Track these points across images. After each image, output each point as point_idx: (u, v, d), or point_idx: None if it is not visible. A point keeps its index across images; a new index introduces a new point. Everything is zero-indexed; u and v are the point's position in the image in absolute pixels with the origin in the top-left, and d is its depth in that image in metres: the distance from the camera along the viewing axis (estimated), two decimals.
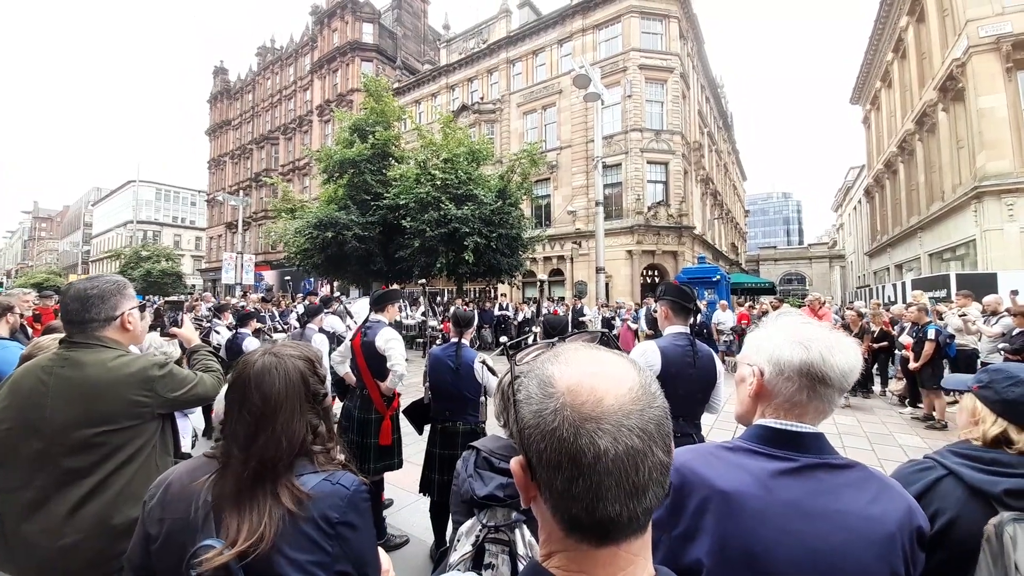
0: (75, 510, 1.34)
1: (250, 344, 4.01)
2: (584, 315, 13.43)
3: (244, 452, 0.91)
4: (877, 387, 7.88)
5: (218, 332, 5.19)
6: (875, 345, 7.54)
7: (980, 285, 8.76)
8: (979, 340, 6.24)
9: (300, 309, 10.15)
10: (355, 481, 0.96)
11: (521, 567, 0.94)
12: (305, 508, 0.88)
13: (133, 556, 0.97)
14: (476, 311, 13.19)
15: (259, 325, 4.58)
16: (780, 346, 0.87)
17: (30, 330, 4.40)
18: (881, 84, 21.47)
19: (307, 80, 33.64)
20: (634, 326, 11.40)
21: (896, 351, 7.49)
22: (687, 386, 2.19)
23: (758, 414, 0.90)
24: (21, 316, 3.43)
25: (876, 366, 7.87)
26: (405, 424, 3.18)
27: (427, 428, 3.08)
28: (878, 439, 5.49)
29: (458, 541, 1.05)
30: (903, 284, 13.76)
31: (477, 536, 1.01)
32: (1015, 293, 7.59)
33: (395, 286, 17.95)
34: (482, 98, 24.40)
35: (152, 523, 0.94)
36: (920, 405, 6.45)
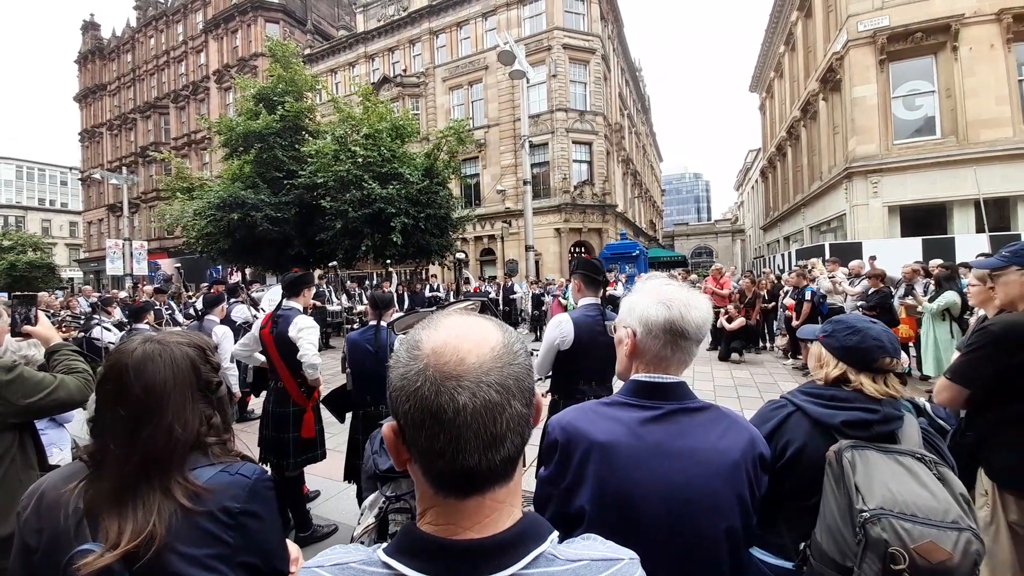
0: None
1: None
2: (515, 292, 13.68)
3: (125, 449, 0.83)
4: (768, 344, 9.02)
5: (108, 330, 4.56)
6: (767, 306, 8.58)
7: (848, 253, 10.21)
8: (845, 300, 7.33)
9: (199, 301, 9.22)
10: (256, 470, 0.92)
11: None
12: (202, 502, 0.83)
13: (15, 570, 0.87)
14: (407, 294, 12.88)
15: (152, 320, 4.08)
16: (648, 307, 0.96)
17: None
18: (774, 75, 23.68)
19: (200, 41, 29.73)
20: (564, 301, 11.83)
21: (780, 311, 8.60)
22: (598, 352, 2.34)
23: (633, 370, 1.00)
24: None
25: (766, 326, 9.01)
26: (327, 414, 3.06)
27: (349, 416, 3.00)
28: (766, 388, 6.30)
29: (361, 515, 1.06)
30: (789, 254, 15.64)
31: (380, 508, 1.03)
32: (873, 259, 8.97)
33: (317, 271, 16.90)
34: (405, 70, 23.22)
35: (30, 534, 0.85)
36: (800, 356, 7.48)
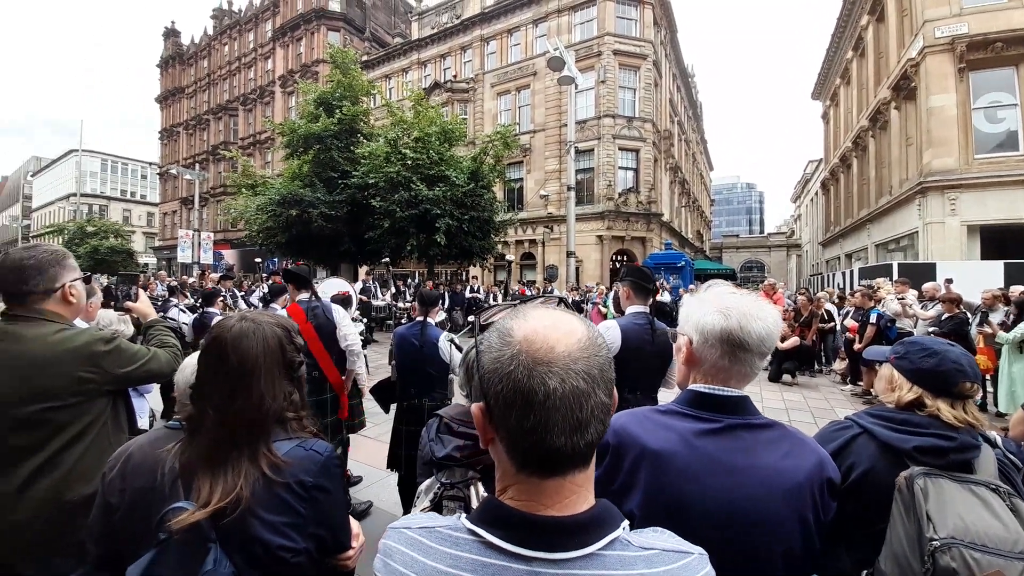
0: (25, 488, 1.31)
1: None
2: None
3: (220, 414, 0.90)
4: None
5: (183, 312, 4.98)
6: (825, 326, 8.08)
7: (920, 274, 9.43)
8: (915, 324, 6.78)
9: (264, 289, 9.82)
10: (328, 448, 0.99)
11: None
12: (281, 472, 0.89)
13: (94, 527, 0.97)
14: (447, 293, 13.15)
15: (228, 303, 4.43)
16: (704, 315, 0.95)
17: None
18: (840, 81, 22.32)
19: (268, 48, 31.82)
20: (604, 309, 11.68)
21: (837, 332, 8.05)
22: (645, 361, 2.30)
23: (691, 379, 0.99)
24: None
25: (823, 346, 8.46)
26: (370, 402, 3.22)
27: (394, 407, 3.11)
28: (821, 414, 5.93)
29: (418, 498, 1.11)
30: (852, 272, 14.64)
31: (435, 493, 1.08)
32: (949, 281, 8.23)
33: (364, 267, 17.59)
34: (455, 76, 23.81)
35: (113, 493, 0.94)
36: (860, 383, 6.98)
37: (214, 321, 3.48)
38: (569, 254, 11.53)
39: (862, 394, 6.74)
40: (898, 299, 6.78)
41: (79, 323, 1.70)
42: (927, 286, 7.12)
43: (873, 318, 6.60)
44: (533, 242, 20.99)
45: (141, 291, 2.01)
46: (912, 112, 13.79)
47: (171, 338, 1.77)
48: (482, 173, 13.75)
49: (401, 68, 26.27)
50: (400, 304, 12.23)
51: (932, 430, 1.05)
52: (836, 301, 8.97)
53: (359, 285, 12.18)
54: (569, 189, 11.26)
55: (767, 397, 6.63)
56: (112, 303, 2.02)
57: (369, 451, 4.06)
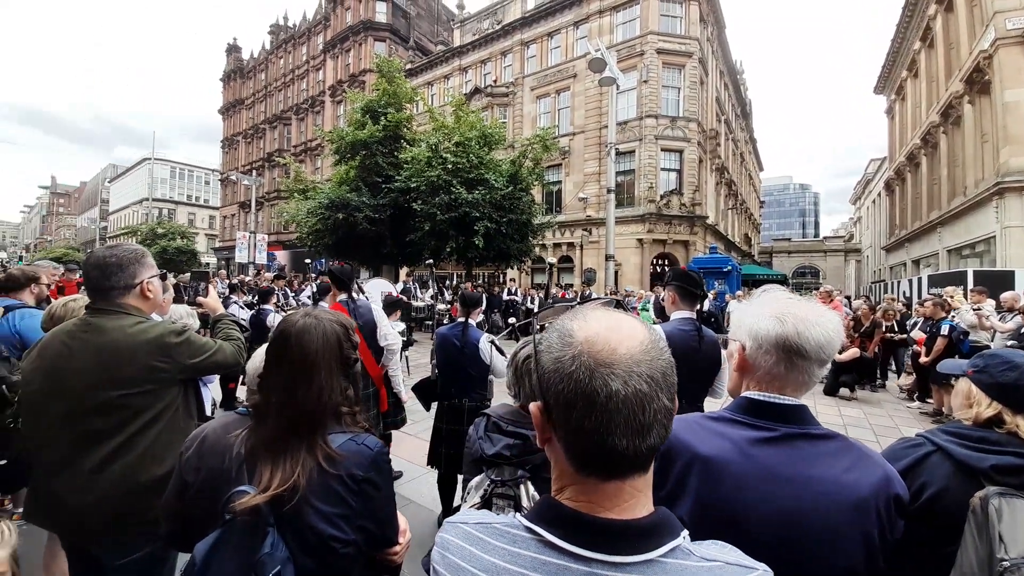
0: (101, 468, 1.40)
1: (274, 319, 4.14)
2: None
3: (281, 404, 0.96)
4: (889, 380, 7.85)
5: (242, 308, 5.33)
6: (895, 336, 7.51)
7: (997, 282, 8.58)
8: (992, 337, 6.17)
9: (312, 288, 10.30)
10: (378, 443, 1.03)
11: None
12: (334, 464, 0.94)
13: (169, 501, 1.06)
14: (484, 295, 13.29)
15: (281, 301, 4.72)
16: (758, 321, 0.91)
17: (53, 301, 4.57)
18: (907, 74, 20.72)
19: (320, 60, 33.45)
20: (643, 314, 11.41)
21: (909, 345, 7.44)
22: (691, 369, 2.23)
23: (743, 387, 0.95)
24: (48, 287, 3.56)
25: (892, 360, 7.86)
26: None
27: (435, 405, 3.19)
28: (884, 432, 5.51)
29: (468, 493, 1.13)
30: (919, 280, 13.53)
31: (486, 489, 1.10)
32: None
33: (404, 269, 18.08)
34: (495, 81, 24.09)
35: (189, 472, 1.03)
36: (929, 400, 6.43)
37: (268, 318, 3.69)
38: (608, 257, 11.34)
39: (933, 413, 6.20)
40: (974, 310, 6.19)
41: (154, 316, 1.85)
42: (1006, 296, 6.44)
43: (945, 329, 6.05)
44: (571, 245, 20.82)
45: (211, 288, 2.17)
46: (987, 107, 12.62)
47: (236, 332, 1.88)
48: (521, 176, 13.83)
49: (443, 75, 26.87)
50: (440, 305, 12.47)
51: (1011, 448, 0.99)
52: (901, 310, 8.31)
53: (400, 286, 12.54)
54: (609, 191, 11.08)
55: (822, 411, 6.23)
56: (184, 299, 2.19)
57: (410, 447, 4.18)
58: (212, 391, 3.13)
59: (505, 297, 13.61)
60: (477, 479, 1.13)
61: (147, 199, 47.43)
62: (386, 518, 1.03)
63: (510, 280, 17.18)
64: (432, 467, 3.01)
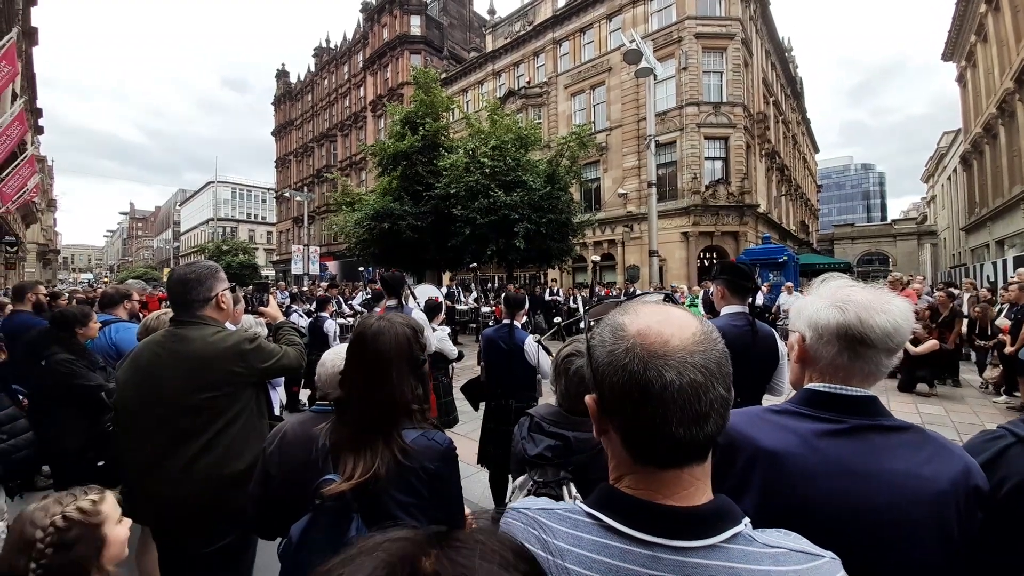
0: (190, 465, 1.54)
1: (330, 326, 4.40)
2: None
3: (361, 400, 1.04)
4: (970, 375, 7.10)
5: (301, 316, 5.69)
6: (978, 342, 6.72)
7: None
8: None
9: (363, 295, 10.76)
10: (447, 439, 1.10)
11: None
12: (409, 457, 1.01)
13: (255, 491, 1.18)
14: (527, 296, 13.34)
15: (335, 308, 5.00)
16: (818, 310, 0.88)
17: (141, 316, 5.10)
18: (976, 38, 18.72)
19: (360, 77, 34.93)
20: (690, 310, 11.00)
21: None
22: (746, 365, 2.14)
23: (806, 379, 0.92)
24: (137, 304, 3.98)
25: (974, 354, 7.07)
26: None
27: (483, 405, 3.25)
28: (967, 429, 5.00)
29: (512, 494, 1.16)
30: (1004, 261, 12.15)
31: (528, 490, 1.12)
32: None
33: (447, 273, 18.48)
34: (528, 82, 24.14)
35: (272, 465, 1.14)
36: (1017, 394, 5.77)
37: (326, 324, 3.90)
38: (651, 253, 11.01)
39: (1021, 407, 5.56)
40: None
41: (228, 325, 2.02)
42: None
43: None
44: (612, 242, 20.45)
45: (272, 297, 2.34)
46: None
47: (297, 337, 2.02)
48: (558, 175, 13.77)
49: (477, 81, 27.27)
50: (484, 308, 12.65)
51: None
52: (986, 295, 7.48)
53: (444, 290, 12.84)
54: (650, 185, 10.77)
55: (897, 410, 5.72)
56: (248, 308, 2.39)
57: (461, 447, 4.24)
58: (280, 394, 3.37)
59: (547, 297, 13.58)
60: (520, 480, 1.16)
61: (212, 219, 51.48)
62: (454, 507, 1.10)
63: (552, 280, 17.12)
64: (482, 466, 3.07)
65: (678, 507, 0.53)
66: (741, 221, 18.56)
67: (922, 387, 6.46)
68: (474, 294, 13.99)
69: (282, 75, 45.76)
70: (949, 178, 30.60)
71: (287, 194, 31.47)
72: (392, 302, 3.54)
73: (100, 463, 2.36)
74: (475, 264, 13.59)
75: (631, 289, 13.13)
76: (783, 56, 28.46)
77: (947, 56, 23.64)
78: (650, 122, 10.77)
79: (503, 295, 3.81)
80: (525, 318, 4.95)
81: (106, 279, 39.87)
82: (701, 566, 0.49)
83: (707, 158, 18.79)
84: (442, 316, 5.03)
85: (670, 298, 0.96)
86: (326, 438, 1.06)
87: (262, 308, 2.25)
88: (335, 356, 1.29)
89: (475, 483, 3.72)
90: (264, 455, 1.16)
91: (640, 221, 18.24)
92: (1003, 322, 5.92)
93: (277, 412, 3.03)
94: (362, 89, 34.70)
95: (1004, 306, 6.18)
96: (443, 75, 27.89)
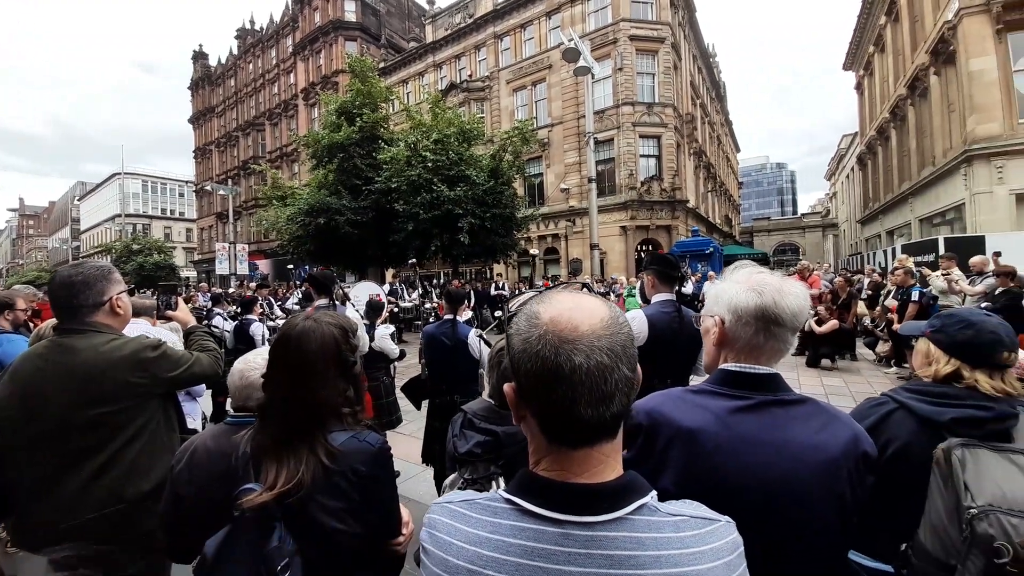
0: (87, 487, 1.39)
1: (257, 329, 4.10)
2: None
3: (283, 404, 0.99)
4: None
5: (226, 319, 5.25)
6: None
7: (968, 248, 8.88)
8: (963, 301, 6.41)
9: (297, 296, 10.17)
10: (380, 440, 1.06)
11: None
12: (336, 461, 0.97)
13: (166, 516, 1.07)
14: (471, 291, 13.29)
15: (264, 311, 4.66)
16: (737, 294, 0.95)
17: (31, 325, 4.45)
18: (874, 49, 21.15)
19: (290, 63, 32.78)
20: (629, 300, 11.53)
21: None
22: (674, 349, 2.29)
23: (721, 360, 0.99)
24: (25, 312, 3.47)
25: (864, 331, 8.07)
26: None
27: (426, 403, 3.20)
28: (863, 397, 5.69)
29: (444, 492, 1.16)
30: (893, 250, 13.92)
31: (459, 488, 1.12)
32: (998, 255, 7.73)
33: (390, 270, 17.96)
34: (470, 75, 23.92)
35: (181, 484, 1.04)
36: (906, 364, 6.65)
37: (252, 327, 3.65)
38: (593, 247, 11.40)
39: (909, 377, 6.43)
40: (944, 275, 6.43)
41: (132, 330, 1.82)
42: (974, 260, 6.72)
43: (915, 296, 6.28)
44: (556, 236, 20.90)
45: (180, 300, 2.15)
46: (952, 77, 12.97)
47: (211, 342, 1.86)
48: (502, 170, 13.80)
49: (417, 72, 26.57)
50: (427, 305, 12.43)
51: (969, 401, 1.04)
52: (877, 280, 8.56)
53: (386, 288, 12.46)
54: (590, 181, 11.11)
55: (805, 383, 6.41)
56: (154, 312, 2.17)
57: (406, 447, 4.18)
58: (202, 405, 3.11)
59: (493, 292, 13.63)
60: (451, 477, 1.16)
61: (119, 215, 46.11)
62: (389, 511, 1.07)
63: (497, 275, 17.21)
64: (427, 465, 3.03)
65: (588, 484, 0.56)
66: (673, 215, 19.70)
67: (825, 362, 7.26)
68: (418, 291, 13.71)
69: (200, 57, 41.82)
70: (848, 176, 34.42)
71: (209, 187, 28.89)
72: (323, 301, 3.37)
73: None
74: (414, 260, 13.30)
75: (573, 281, 13.48)
76: (708, 61, 30.44)
77: (847, 66, 26.46)
78: (589, 120, 11.09)
79: (444, 290, 3.77)
80: (471, 313, 4.94)
81: None
82: (608, 538, 0.53)
83: (642, 156, 19.70)
84: (385, 315, 4.88)
85: (587, 287, 1.01)
86: (246, 445, 1.00)
87: (170, 312, 2.06)
88: (244, 365, 1.21)
89: (421, 482, 3.67)
90: (172, 474, 1.06)
91: (582, 216, 18.78)
92: (891, 303, 6.79)
93: (200, 425, 2.80)
94: (292, 75, 32.59)
95: (892, 288, 7.07)
96: (381, 64, 26.87)
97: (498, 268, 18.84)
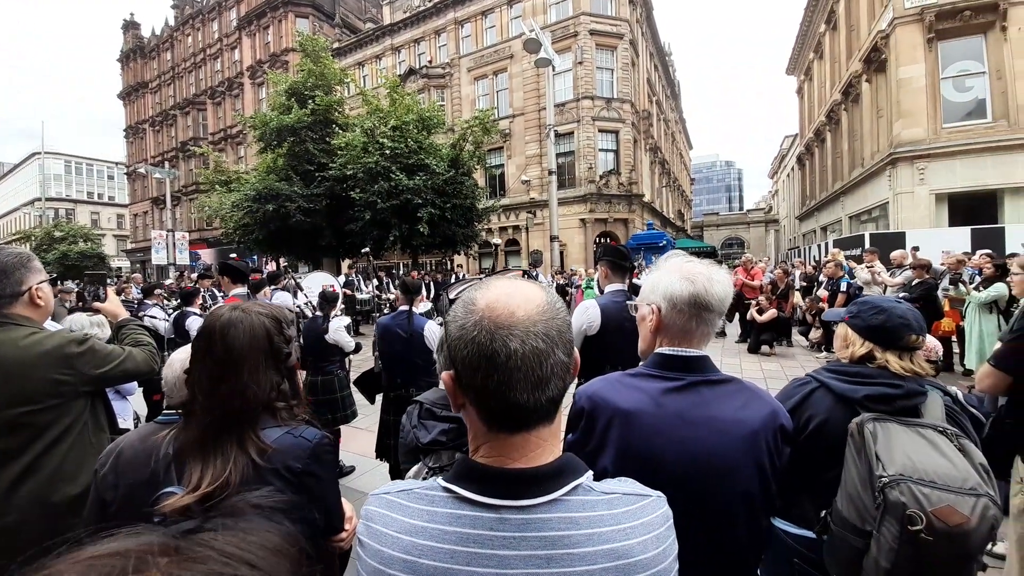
0: (10, 491, 1.30)
1: (192, 323, 3.83)
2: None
3: (208, 400, 0.92)
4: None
5: (154, 316, 4.88)
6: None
7: (891, 244, 9.74)
8: (884, 291, 7.04)
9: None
10: (317, 434, 1.01)
11: None
12: (268, 459, 0.92)
13: (90, 522, 0.99)
14: (430, 282, 13.11)
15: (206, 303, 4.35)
16: (672, 283, 1.01)
17: None
18: (814, 56, 22.54)
19: (234, 38, 30.62)
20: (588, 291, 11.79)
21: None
22: (625, 337, 2.36)
23: (656, 344, 1.04)
24: None
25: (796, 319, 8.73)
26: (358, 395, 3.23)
27: (379, 397, 3.14)
28: None
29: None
30: (826, 244, 15.03)
31: (424, 477, 1.11)
32: (916, 249, 8.55)
33: (346, 261, 17.37)
34: (430, 61, 23.33)
35: (107, 489, 0.96)
36: (835, 349, 7.26)
37: (189, 321, 3.42)
38: (553, 238, 11.56)
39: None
40: (867, 268, 7.03)
41: (50, 325, 1.67)
42: (895, 254, 7.41)
43: (843, 287, 6.86)
44: (517, 228, 20.96)
45: (110, 291, 1.98)
46: (883, 84, 14.05)
47: (145, 336, 1.74)
48: (462, 160, 13.62)
49: (374, 55, 25.60)
50: (385, 296, 12.15)
51: (881, 380, 1.13)
52: (811, 272, 9.24)
53: (342, 279, 12.06)
54: (551, 173, 11.22)
55: (746, 368, 6.85)
56: (80, 304, 1.99)
57: (361, 442, 4.10)
58: (133, 404, 2.90)
59: (453, 283, 13.51)
60: (415, 468, 1.14)
61: (39, 199, 41.66)
62: (330, 507, 1.04)
63: (458, 266, 17.06)
64: (382, 459, 2.99)
65: (525, 468, 0.57)
66: (630, 209, 20.26)
67: (765, 348, 7.78)
68: (375, 282, 13.37)
69: (130, 26, 38.15)
70: (788, 175, 36.68)
71: (143, 170, 26.52)
72: (240, 290, 3.18)
73: None
74: (367, 250, 12.92)
75: (534, 273, 13.62)
76: (664, 59, 31.31)
77: (790, 71, 28.07)
78: (550, 112, 11.15)
79: (400, 281, 3.69)
80: (430, 305, 4.86)
81: None
82: (542, 520, 0.54)
83: (601, 150, 20.07)
84: (339, 306, 4.69)
85: (527, 274, 1.02)
86: (168, 446, 0.93)
87: (97, 304, 1.89)
88: (185, 356, 1.14)
89: (375, 476, 3.62)
90: (96, 479, 0.98)
91: (542, 207, 18.93)
92: (823, 292, 7.35)
93: (132, 425, 2.61)
94: (237, 52, 30.48)
95: (824, 279, 7.66)
96: (335, 45, 25.65)
97: (459, 259, 18.68)
